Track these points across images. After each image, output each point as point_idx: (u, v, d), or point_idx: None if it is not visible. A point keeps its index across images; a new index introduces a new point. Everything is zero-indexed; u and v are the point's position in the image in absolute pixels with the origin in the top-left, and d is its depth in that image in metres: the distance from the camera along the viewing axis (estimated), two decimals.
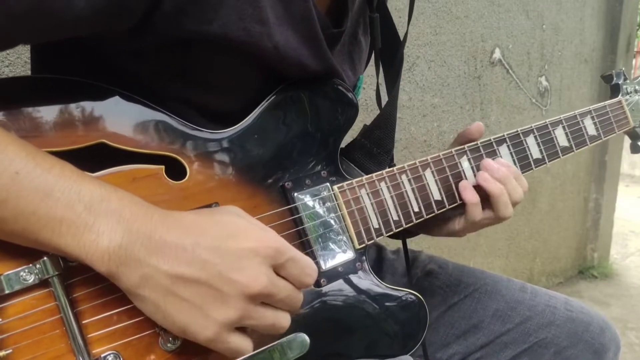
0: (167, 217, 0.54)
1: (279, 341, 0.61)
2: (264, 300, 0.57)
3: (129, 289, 0.53)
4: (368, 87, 1.66)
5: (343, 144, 0.83)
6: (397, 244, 1.05)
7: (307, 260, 0.61)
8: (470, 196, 0.82)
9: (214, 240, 0.54)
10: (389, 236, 0.96)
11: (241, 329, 0.58)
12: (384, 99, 0.86)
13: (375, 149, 0.82)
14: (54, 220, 0.50)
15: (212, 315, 0.54)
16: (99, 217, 0.51)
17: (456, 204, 0.84)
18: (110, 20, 0.56)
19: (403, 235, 0.91)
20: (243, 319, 0.55)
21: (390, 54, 0.86)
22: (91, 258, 0.51)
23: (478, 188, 0.83)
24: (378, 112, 0.85)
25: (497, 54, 2.33)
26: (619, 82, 1.06)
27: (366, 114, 1.64)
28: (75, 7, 0.52)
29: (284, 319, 0.60)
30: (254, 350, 0.59)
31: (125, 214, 0.52)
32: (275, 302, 0.58)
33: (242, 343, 0.57)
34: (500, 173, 0.82)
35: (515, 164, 0.88)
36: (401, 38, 0.86)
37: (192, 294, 0.53)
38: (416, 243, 2.13)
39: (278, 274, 0.58)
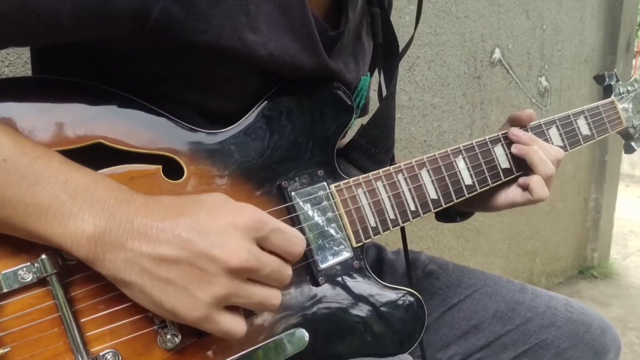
0: (149, 201, 0.55)
1: (277, 336, 0.61)
2: (249, 275, 0.57)
3: (115, 275, 0.53)
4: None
5: (342, 144, 0.83)
6: (398, 244, 1.05)
7: (293, 230, 0.61)
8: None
9: (192, 218, 0.54)
10: (438, 219, 0.99)
11: (233, 310, 0.57)
12: (374, 101, 0.87)
13: (374, 148, 0.82)
14: (40, 208, 0.50)
15: (197, 295, 0.54)
16: (84, 205, 0.51)
17: (452, 203, 0.84)
18: (97, 29, 0.56)
19: (403, 234, 0.91)
20: (230, 296, 0.55)
21: (388, 51, 0.86)
22: (77, 245, 0.51)
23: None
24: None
25: (497, 54, 2.33)
26: (612, 83, 1.06)
27: (370, 114, 1.64)
28: (59, 12, 0.53)
29: (273, 296, 0.59)
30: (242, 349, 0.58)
31: (109, 202, 0.52)
32: (262, 277, 0.58)
33: (234, 323, 0.57)
34: (527, 136, 0.88)
35: (510, 163, 0.89)
36: (403, 38, 0.86)
37: (176, 275, 0.53)
38: (416, 244, 2.13)
39: (264, 248, 0.58)
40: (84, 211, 0.51)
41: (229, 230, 0.55)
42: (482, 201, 0.92)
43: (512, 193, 0.90)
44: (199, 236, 0.54)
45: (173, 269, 0.53)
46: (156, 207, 0.54)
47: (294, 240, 0.60)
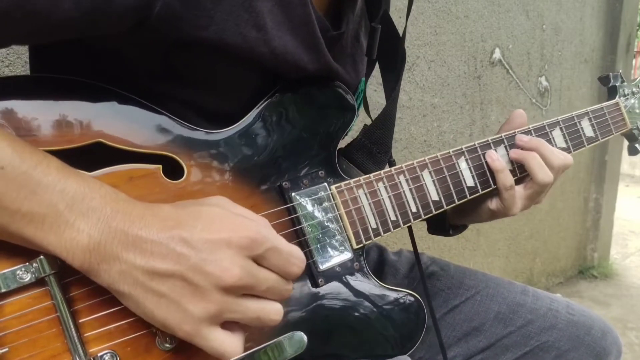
0: (146, 212, 0.54)
1: (276, 339, 0.60)
2: (245, 291, 0.56)
3: (109, 285, 0.53)
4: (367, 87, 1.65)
5: (343, 144, 0.83)
6: (399, 245, 1.05)
7: (292, 249, 0.59)
8: (503, 179, 0.84)
9: (188, 233, 0.53)
10: (431, 232, 0.97)
11: (230, 329, 0.56)
12: (373, 101, 0.86)
13: (375, 148, 0.82)
14: (37, 217, 0.50)
15: (189, 309, 0.53)
16: (79, 215, 0.51)
17: (454, 205, 0.84)
18: (98, 23, 0.56)
19: (411, 234, 0.91)
20: (223, 313, 0.54)
21: (391, 54, 0.85)
22: (72, 255, 0.51)
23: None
24: (378, 112, 0.85)
25: (497, 54, 2.33)
26: (616, 84, 1.06)
27: (365, 115, 1.64)
28: (60, 8, 0.52)
29: (271, 311, 0.58)
30: (245, 350, 0.57)
31: (106, 212, 0.52)
32: (260, 292, 0.56)
33: (227, 341, 0.55)
34: (532, 142, 0.87)
35: (513, 164, 0.88)
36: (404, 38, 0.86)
37: (169, 289, 0.53)
38: (416, 244, 2.12)
39: (261, 264, 0.56)
40: (80, 221, 0.51)
41: (223, 247, 0.54)
42: (474, 209, 0.91)
43: (492, 201, 0.89)
44: (194, 251, 0.53)
45: (166, 282, 0.52)
46: (152, 220, 0.53)
47: (291, 260, 0.58)
